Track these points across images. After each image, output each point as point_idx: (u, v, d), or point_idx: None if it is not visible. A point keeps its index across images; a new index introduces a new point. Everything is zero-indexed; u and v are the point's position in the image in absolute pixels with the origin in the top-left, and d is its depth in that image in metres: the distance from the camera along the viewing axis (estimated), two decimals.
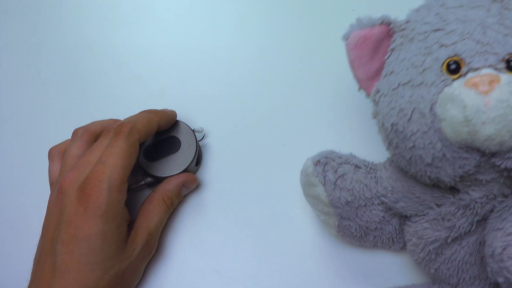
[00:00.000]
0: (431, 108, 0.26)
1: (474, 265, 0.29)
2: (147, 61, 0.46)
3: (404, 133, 0.27)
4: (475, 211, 0.28)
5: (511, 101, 0.23)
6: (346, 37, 0.30)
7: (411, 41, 0.28)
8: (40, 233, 0.35)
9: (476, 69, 0.25)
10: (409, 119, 0.27)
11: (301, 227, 0.38)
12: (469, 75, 0.25)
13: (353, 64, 0.31)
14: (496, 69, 0.25)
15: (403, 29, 0.29)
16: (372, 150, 0.36)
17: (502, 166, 0.26)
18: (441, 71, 0.26)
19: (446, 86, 0.26)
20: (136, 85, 0.46)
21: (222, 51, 0.46)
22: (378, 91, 0.30)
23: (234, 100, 0.44)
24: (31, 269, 0.33)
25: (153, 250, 0.37)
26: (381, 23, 0.30)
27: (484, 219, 0.29)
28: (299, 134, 0.42)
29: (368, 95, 0.31)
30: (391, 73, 0.29)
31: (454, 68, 0.26)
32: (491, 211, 0.28)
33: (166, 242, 0.39)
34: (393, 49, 0.30)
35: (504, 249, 0.24)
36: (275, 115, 0.43)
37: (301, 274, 0.37)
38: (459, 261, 0.30)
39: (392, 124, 0.28)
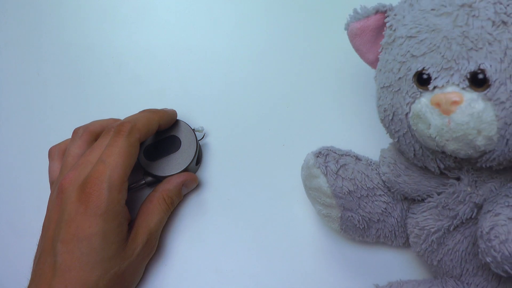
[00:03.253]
0: (406, 116, 0.27)
1: (477, 255, 0.30)
2: (147, 61, 0.47)
3: (389, 129, 0.30)
4: (473, 194, 0.29)
5: (471, 123, 0.24)
6: (346, 28, 0.32)
7: (392, 43, 0.29)
8: (40, 233, 0.35)
9: (442, 87, 0.25)
10: (391, 119, 0.29)
11: (301, 226, 0.38)
12: (436, 91, 0.25)
13: (358, 51, 0.32)
14: (459, 86, 0.25)
15: (391, 26, 0.29)
16: (371, 150, 0.36)
17: (478, 165, 0.27)
18: (412, 82, 0.27)
19: (416, 98, 0.26)
20: (136, 85, 0.46)
21: (222, 51, 0.46)
22: (376, 80, 0.31)
23: (234, 100, 0.44)
24: (31, 268, 0.33)
25: (154, 249, 0.37)
26: (376, 13, 0.30)
27: None
28: (299, 134, 0.42)
29: None
30: (380, 70, 0.30)
31: (426, 78, 0.26)
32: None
33: (166, 242, 0.39)
34: (383, 45, 0.30)
35: (491, 228, 0.25)
36: (275, 115, 0.43)
37: (302, 273, 0.37)
38: (463, 251, 0.30)
39: (381, 119, 0.30)
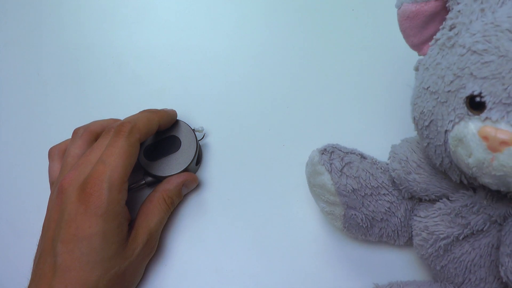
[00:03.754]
0: (445, 132, 0.26)
1: (482, 267, 0.29)
2: (147, 61, 0.47)
3: (421, 131, 0.28)
4: (489, 207, 0.28)
5: None
6: (397, 6, 0.29)
7: (451, 49, 0.26)
8: (40, 233, 0.35)
9: (495, 121, 0.23)
10: (427, 126, 0.27)
11: (302, 226, 0.38)
12: (487, 122, 0.23)
13: (404, 33, 0.30)
14: None
15: (452, 26, 0.26)
16: (373, 149, 0.36)
17: (502, 194, 0.26)
18: (464, 102, 0.24)
19: (461, 119, 0.24)
20: (136, 85, 0.46)
21: (222, 51, 0.46)
22: (417, 69, 0.29)
23: (234, 100, 0.44)
24: (31, 268, 0.33)
25: (154, 249, 0.37)
26: None
27: (498, 223, 0.29)
28: (299, 134, 0.42)
29: (419, 55, 0.30)
30: (426, 68, 0.28)
31: (479, 102, 0.24)
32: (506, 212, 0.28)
33: (166, 242, 0.39)
34: (437, 41, 0.28)
35: None
36: (275, 115, 0.43)
37: (302, 273, 0.37)
38: (468, 262, 0.30)
39: (413, 117, 0.29)
